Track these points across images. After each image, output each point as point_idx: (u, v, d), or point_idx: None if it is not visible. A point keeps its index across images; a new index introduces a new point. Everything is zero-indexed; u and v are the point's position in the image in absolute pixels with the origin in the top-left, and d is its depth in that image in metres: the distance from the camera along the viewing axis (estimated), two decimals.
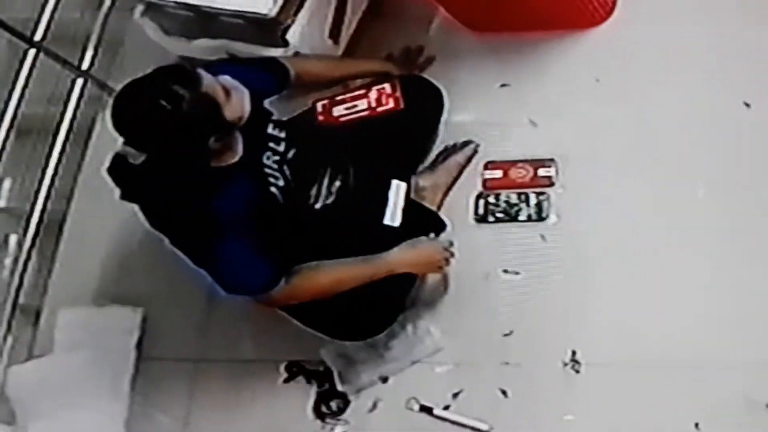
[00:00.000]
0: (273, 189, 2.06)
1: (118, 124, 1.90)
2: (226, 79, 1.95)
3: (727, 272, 2.19)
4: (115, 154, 2.05)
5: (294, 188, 2.11)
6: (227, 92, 1.93)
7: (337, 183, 2.20)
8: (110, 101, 1.99)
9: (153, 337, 2.53)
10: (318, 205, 2.16)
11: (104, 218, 2.63)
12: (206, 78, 1.90)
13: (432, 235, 2.28)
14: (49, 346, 2.56)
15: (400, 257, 2.16)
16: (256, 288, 2.05)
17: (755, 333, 2.11)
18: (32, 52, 2.57)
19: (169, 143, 1.89)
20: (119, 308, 2.56)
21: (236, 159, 2.01)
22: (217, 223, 1.96)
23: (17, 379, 2.51)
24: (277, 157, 2.11)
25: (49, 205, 2.66)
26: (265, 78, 2.24)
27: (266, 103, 2.23)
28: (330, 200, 2.18)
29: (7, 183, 2.70)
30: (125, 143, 1.97)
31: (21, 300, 2.60)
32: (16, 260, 2.60)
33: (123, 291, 2.60)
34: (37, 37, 2.58)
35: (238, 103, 1.95)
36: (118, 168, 2.07)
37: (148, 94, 1.87)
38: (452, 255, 2.23)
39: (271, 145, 2.12)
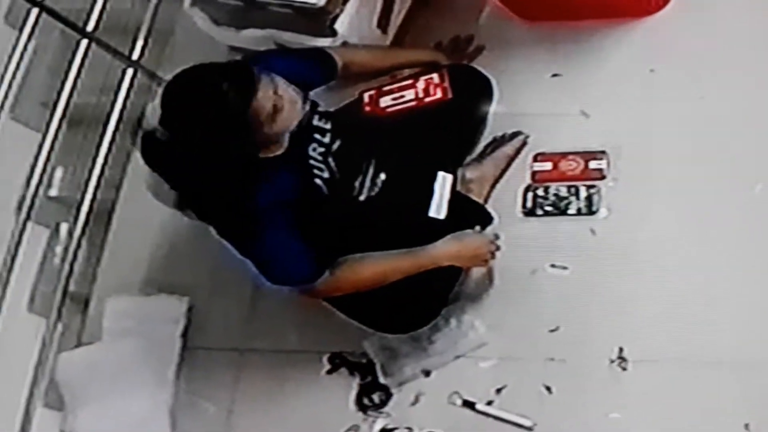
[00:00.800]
0: (318, 180, 2.06)
1: (165, 107, 1.92)
2: (286, 87, 1.94)
3: None
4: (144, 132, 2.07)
5: (339, 180, 2.10)
6: (276, 108, 1.90)
7: (382, 175, 2.18)
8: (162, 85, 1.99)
9: (198, 327, 2.55)
10: (362, 197, 2.15)
11: (152, 208, 2.59)
12: (263, 87, 1.88)
13: (478, 228, 2.25)
14: (97, 334, 2.59)
15: (445, 250, 2.14)
16: (300, 279, 2.05)
17: None
18: (84, 42, 2.59)
19: (207, 143, 1.91)
20: (166, 297, 2.58)
21: (282, 151, 2.01)
22: (262, 214, 1.97)
23: (67, 365, 2.54)
24: (322, 149, 2.10)
25: (98, 194, 2.68)
26: (313, 68, 2.23)
27: (312, 93, 2.22)
28: (374, 192, 2.17)
29: (59, 172, 2.73)
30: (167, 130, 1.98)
31: (71, 287, 2.63)
32: (66, 248, 2.63)
33: (169, 280, 2.61)
34: (89, 27, 2.60)
35: (290, 114, 1.94)
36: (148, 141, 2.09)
37: (201, 90, 1.88)
38: (498, 248, 2.19)
39: (317, 136, 2.11)
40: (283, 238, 1.98)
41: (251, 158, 1.97)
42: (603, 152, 2.37)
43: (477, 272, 2.28)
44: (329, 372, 2.38)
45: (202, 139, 1.92)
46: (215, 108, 1.85)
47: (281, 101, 1.91)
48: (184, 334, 2.53)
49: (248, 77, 1.88)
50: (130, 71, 2.72)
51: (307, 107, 2.00)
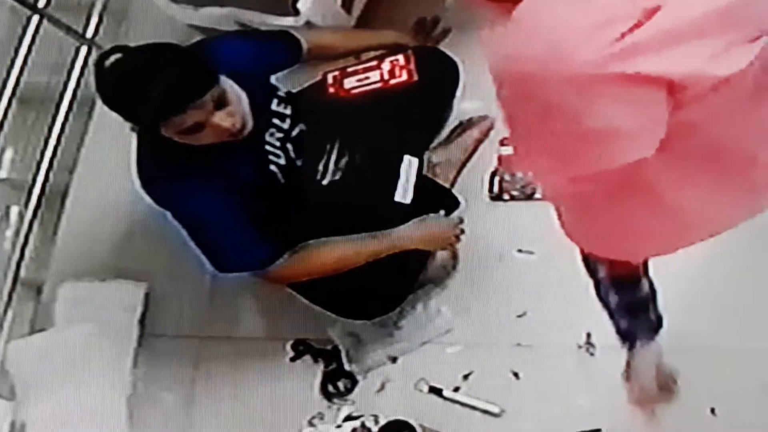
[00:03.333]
0: (272, 167, 2.03)
1: (105, 93, 1.87)
2: (236, 107, 1.88)
3: (748, 257, 2.11)
4: None
5: (297, 165, 2.06)
6: (198, 125, 1.83)
7: (345, 158, 2.16)
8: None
9: (156, 313, 2.49)
10: (325, 181, 2.14)
11: (107, 191, 2.58)
12: (201, 104, 1.81)
13: (442, 212, 2.22)
14: (50, 321, 2.52)
15: (409, 233, 2.12)
16: (246, 265, 2.02)
17: None
18: (35, 18, 2.52)
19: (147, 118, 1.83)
20: (122, 283, 2.52)
21: None
22: (212, 198, 1.93)
23: (18, 353, 2.46)
24: (280, 134, 2.07)
25: (51, 177, 2.62)
26: (277, 50, 2.20)
27: (275, 76, 2.18)
28: (338, 176, 2.15)
29: (8, 153, 2.65)
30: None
31: (22, 274, 2.56)
32: (17, 233, 2.56)
33: (126, 265, 2.55)
34: (41, 3, 2.54)
35: (212, 135, 1.87)
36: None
37: (151, 70, 1.80)
38: (462, 232, 2.18)
39: (275, 121, 2.07)
40: (230, 224, 1.95)
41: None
42: None
43: (441, 255, 2.26)
44: (293, 359, 2.34)
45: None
46: (138, 101, 1.78)
47: (204, 126, 1.84)
48: (142, 321, 2.47)
49: (204, 81, 1.81)
50: (83, 49, 2.65)
51: (249, 127, 1.93)
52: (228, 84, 1.87)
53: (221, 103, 1.85)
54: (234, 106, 1.87)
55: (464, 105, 2.43)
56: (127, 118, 1.87)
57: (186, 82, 1.79)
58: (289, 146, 2.07)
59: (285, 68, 2.20)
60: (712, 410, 2.02)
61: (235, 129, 1.88)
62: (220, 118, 1.85)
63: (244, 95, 1.91)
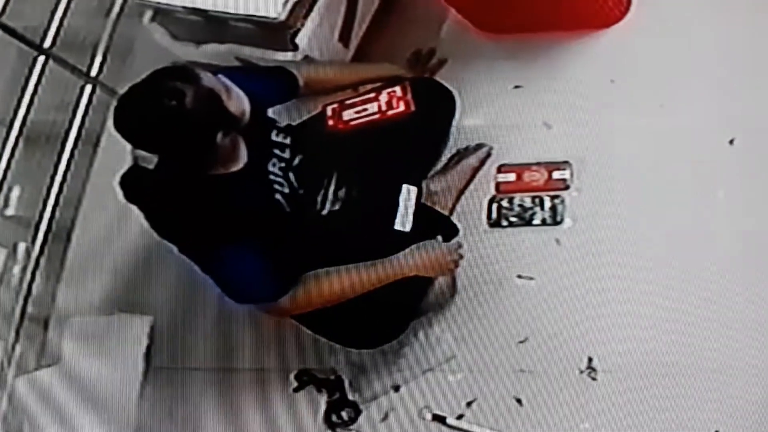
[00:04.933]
0: (278, 196, 2.04)
1: (123, 128, 1.88)
2: (221, 77, 1.93)
3: (746, 276, 2.13)
4: (132, 164, 2.02)
5: (300, 194, 2.08)
6: (227, 89, 1.91)
7: (344, 189, 2.18)
8: (112, 106, 1.95)
9: (162, 346, 2.50)
10: (324, 212, 2.15)
11: (113, 226, 2.60)
12: (204, 74, 1.88)
13: (439, 238, 2.24)
14: (57, 356, 2.54)
15: (409, 260, 2.12)
16: (264, 297, 2.02)
17: None
18: (41, 59, 2.56)
19: (178, 140, 1.87)
20: (128, 316, 2.53)
21: (240, 167, 1.99)
22: (222, 231, 1.94)
23: (26, 389, 2.48)
24: (282, 164, 2.09)
25: (57, 213, 2.65)
26: (272, 85, 2.23)
27: (274, 110, 2.21)
28: (337, 206, 2.16)
29: (16, 191, 2.67)
30: (134, 147, 1.95)
31: (29, 309, 2.58)
32: (24, 268, 2.59)
33: (131, 299, 2.57)
34: (46, 44, 2.58)
35: (238, 99, 1.93)
36: (132, 175, 2.04)
37: (150, 95, 1.85)
38: (461, 257, 2.18)
39: (276, 151, 2.09)
40: (245, 255, 1.95)
41: (209, 175, 1.94)
42: (566, 162, 2.38)
43: (440, 282, 2.26)
44: (296, 390, 2.34)
45: (171, 142, 1.88)
46: (176, 101, 1.82)
47: (226, 86, 1.91)
48: (147, 354, 2.49)
49: (186, 69, 1.88)
50: (88, 88, 2.69)
51: (247, 116, 1.97)
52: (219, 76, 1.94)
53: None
54: (235, 91, 1.93)
55: (465, 122, 2.47)
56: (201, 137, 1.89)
57: (174, 67, 1.92)
58: (291, 176, 2.09)
59: (281, 102, 2.24)
60: None
61: (246, 115, 1.93)
62: (234, 106, 1.91)
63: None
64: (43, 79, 2.57)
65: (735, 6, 2.39)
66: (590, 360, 2.15)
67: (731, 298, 2.11)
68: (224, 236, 1.94)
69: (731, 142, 2.26)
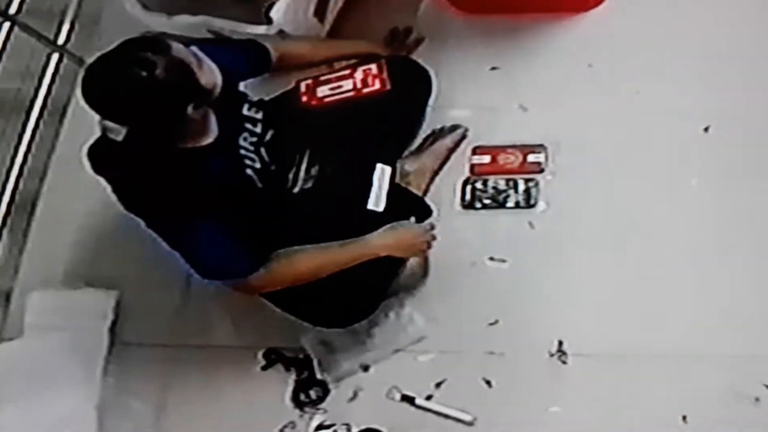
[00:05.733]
0: (249, 171, 2.02)
1: (91, 98, 1.83)
2: (193, 49, 1.89)
3: (716, 264, 2.16)
4: (100, 135, 1.98)
5: (272, 170, 2.06)
6: (198, 60, 1.87)
7: (316, 167, 2.16)
8: (80, 75, 1.91)
9: (127, 321, 2.46)
10: (296, 189, 2.13)
11: (78, 198, 2.56)
12: (175, 45, 1.85)
13: (413, 219, 2.23)
14: (19, 329, 2.48)
15: (381, 241, 2.11)
16: (233, 273, 2.00)
17: (743, 326, 2.09)
18: (6, 25, 2.51)
19: (147, 111, 1.83)
20: (93, 291, 2.49)
21: (211, 140, 1.96)
22: (191, 205, 1.92)
23: None
24: (254, 139, 2.06)
25: (21, 184, 2.59)
26: (244, 59, 2.20)
27: (246, 84, 2.18)
28: (309, 184, 2.15)
29: None
30: (102, 117, 1.90)
31: None
32: None
33: (97, 273, 2.52)
34: (12, 10, 2.53)
35: (210, 71, 1.90)
36: (100, 146, 2.00)
37: (120, 64, 1.81)
38: (434, 238, 2.18)
39: (248, 126, 2.07)
40: (214, 230, 1.93)
41: (178, 147, 1.91)
42: (541, 146, 2.38)
43: (411, 263, 2.26)
44: (264, 368, 2.32)
45: (142, 112, 1.83)
46: (146, 71, 1.78)
47: (198, 57, 1.87)
48: (112, 329, 2.45)
49: (156, 39, 1.85)
50: (55, 56, 2.64)
51: (219, 87, 1.93)
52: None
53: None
54: (207, 63, 1.90)
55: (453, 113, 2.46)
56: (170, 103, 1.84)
57: (145, 37, 1.88)
58: (263, 151, 2.06)
59: (253, 76, 2.21)
60: (684, 417, 2.03)
61: (218, 88, 1.90)
62: (205, 78, 1.87)
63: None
64: (8, 46, 2.52)
65: None
66: (560, 343, 2.16)
67: (701, 286, 2.14)
68: (193, 210, 1.92)
69: (706, 129, 2.28)
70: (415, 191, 2.38)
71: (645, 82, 2.37)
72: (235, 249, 1.96)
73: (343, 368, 2.26)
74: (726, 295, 2.12)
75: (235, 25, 2.41)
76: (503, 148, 2.40)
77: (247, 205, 1.98)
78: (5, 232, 2.57)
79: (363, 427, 2.19)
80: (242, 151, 2.03)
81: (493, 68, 2.51)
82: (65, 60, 2.67)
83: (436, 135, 2.45)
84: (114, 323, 2.45)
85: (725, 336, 2.08)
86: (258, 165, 2.03)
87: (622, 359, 2.10)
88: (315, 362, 2.27)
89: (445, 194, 2.39)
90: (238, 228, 1.95)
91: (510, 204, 2.34)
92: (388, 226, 2.13)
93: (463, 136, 2.45)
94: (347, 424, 2.21)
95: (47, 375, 2.39)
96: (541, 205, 2.32)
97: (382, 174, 2.25)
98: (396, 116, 2.35)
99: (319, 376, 2.27)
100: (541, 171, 2.35)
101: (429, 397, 2.19)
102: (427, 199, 2.37)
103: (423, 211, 2.32)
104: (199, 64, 1.87)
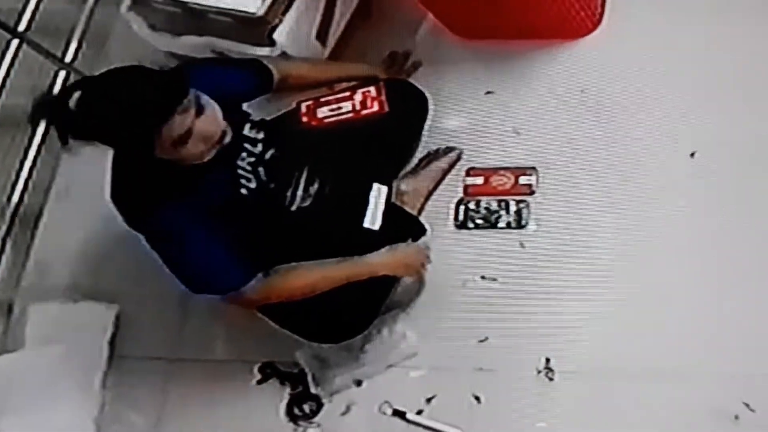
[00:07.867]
0: (243, 191, 2.04)
1: (88, 131, 1.83)
2: (197, 94, 1.87)
3: (702, 284, 2.18)
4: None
5: (270, 188, 2.09)
6: (182, 138, 1.84)
7: (315, 185, 2.19)
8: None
9: (127, 335, 2.51)
10: (294, 207, 2.15)
11: (81, 213, 2.60)
12: (182, 111, 1.82)
13: (410, 240, 2.28)
14: (20, 341, 2.53)
15: (379, 260, 2.16)
16: (221, 287, 2.02)
17: (726, 345, 2.11)
18: (15, 42, 2.55)
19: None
20: (93, 304, 2.54)
21: (208, 158, 1.96)
22: (184, 221, 1.94)
23: None
24: (252, 159, 2.09)
25: (26, 198, 2.64)
26: (248, 79, 2.23)
27: (247, 105, 2.21)
28: (307, 203, 2.17)
29: None
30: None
31: None
32: None
33: (97, 287, 2.57)
34: (21, 27, 2.57)
35: (213, 113, 1.90)
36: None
37: (124, 83, 1.82)
38: (429, 258, 2.22)
39: (247, 146, 2.09)
40: (203, 246, 1.96)
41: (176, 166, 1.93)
42: (533, 168, 2.43)
43: (406, 280, 2.30)
44: (259, 382, 2.36)
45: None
46: (130, 112, 1.78)
47: (191, 132, 1.85)
48: (112, 343, 2.49)
49: (178, 90, 1.83)
50: (62, 74, 2.68)
51: (228, 139, 1.95)
52: (200, 93, 1.90)
53: (200, 110, 1.87)
54: (212, 113, 1.90)
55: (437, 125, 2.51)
56: (118, 140, 1.85)
57: (167, 88, 1.82)
58: (261, 170, 2.09)
59: (255, 96, 2.24)
60: None
61: (217, 135, 1.91)
62: (204, 123, 1.87)
63: (217, 106, 1.93)
64: (17, 63, 2.56)
65: (705, 22, 2.44)
66: (548, 361, 2.19)
67: (689, 306, 2.16)
68: (186, 226, 1.94)
69: (692, 155, 2.32)
70: (410, 210, 2.42)
71: (635, 108, 2.41)
72: (223, 264, 1.98)
73: (337, 383, 2.29)
74: (710, 315, 2.13)
75: (239, 47, 2.47)
76: (496, 170, 2.45)
77: (241, 222, 2.01)
78: (9, 245, 2.61)
79: None
80: (239, 171, 2.05)
81: (488, 92, 2.56)
82: (72, 77, 2.71)
83: (432, 156, 2.50)
84: (113, 337, 2.50)
85: (711, 355, 2.10)
86: (253, 185, 2.06)
87: (609, 377, 2.12)
88: (309, 377, 2.31)
89: (439, 214, 2.43)
90: (232, 244, 1.98)
91: (501, 224, 2.39)
92: (388, 247, 2.18)
93: (458, 158, 2.50)
94: None
95: (47, 387, 2.42)
96: (531, 225, 2.36)
97: (378, 193, 2.29)
98: (393, 137, 2.39)
99: (313, 390, 2.30)
100: (532, 193, 2.39)
101: (420, 412, 2.22)
102: (422, 219, 2.41)
103: (418, 230, 2.36)
104: (184, 140, 1.85)
